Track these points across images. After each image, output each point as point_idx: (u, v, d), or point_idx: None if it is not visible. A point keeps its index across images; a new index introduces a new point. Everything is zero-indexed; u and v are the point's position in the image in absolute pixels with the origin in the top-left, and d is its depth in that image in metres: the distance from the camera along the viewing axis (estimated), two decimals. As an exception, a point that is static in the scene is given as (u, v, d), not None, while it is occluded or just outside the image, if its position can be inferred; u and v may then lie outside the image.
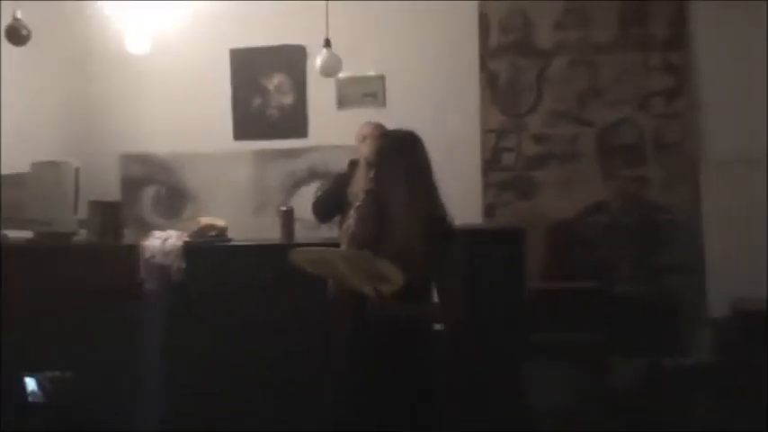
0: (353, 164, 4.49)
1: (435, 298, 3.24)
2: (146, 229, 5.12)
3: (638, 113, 5.34)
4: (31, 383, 2.60)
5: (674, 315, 5.24)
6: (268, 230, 4.87)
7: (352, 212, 3.29)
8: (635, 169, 5.34)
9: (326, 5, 4.79)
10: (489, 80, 5.49)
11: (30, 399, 2.61)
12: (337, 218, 4.50)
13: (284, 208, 4.56)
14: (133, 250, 4.30)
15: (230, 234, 4.48)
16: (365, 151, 3.38)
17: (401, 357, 3.18)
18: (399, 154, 3.28)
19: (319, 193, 4.89)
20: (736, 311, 4.61)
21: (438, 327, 4.12)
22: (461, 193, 5.22)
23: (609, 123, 5.37)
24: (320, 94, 5.64)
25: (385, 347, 3.16)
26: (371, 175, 3.23)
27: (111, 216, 4.54)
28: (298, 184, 5.66)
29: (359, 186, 3.35)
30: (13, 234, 4.66)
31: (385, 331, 3.14)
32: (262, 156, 5.74)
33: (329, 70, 4.98)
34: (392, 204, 3.21)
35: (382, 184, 3.23)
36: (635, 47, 5.34)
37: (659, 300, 5.27)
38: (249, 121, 5.77)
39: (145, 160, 5.84)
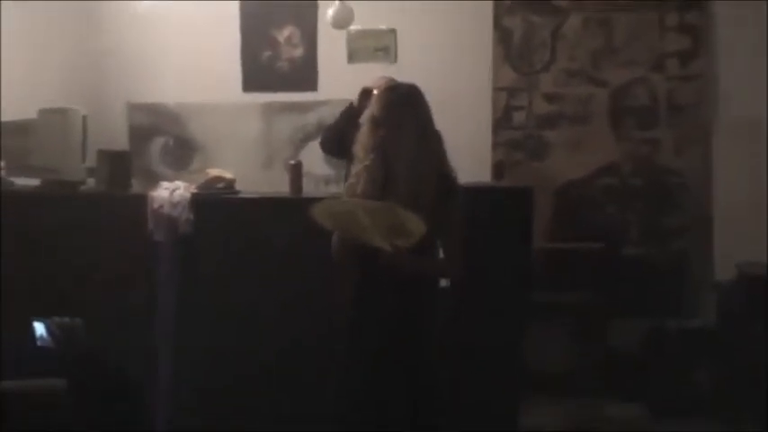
0: (366, 93, 4.39)
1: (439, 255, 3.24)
2: (153, 179, 5.10)
3: (652, 74, 5.29)
4: (39, 328, 2.60)
5: (681, 278, 5.24)
6: (276, 184, 4.85)
7: (358, 171, 3.27)
8: (647, 131, 5.30)
9: (340, -43, 4.73)
10: (502, 37, 5.42)
11: (39, 344, 2.62)
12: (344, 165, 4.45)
13: (293, 162, 4.53)
14: (141, 200, 4.28)
15: (238, 187, 4.45)
16: (370, 108, 3.32)
17: (408, 313, 3.18)
18: (408, 109, 3.25)
19: (327, 129, 4.82)
20: (742, 275, 4.60)
21: (444, 284, 4.17)
22: (471, 152, 5.20)
23: (622, 84, 5.32)
24: (331, 48, 5.59)
25: (392, 303, 3.17)
26: (381, 132, 3.20)
27: (119, 165, 4.50)
28: (306, 138, 5.63)
29: (363, 144, 3.31)
30: (21, 182, 4.65)
31: (392, 287, 3.14)
32: (270, 109, 5.71)
33: (341, 22, 4.92)
34: (401, 161, 3.18)
35: (392, 142, 3.20)
36: (651, 6, 5.27)
37: (666, 262, 5.27)
38: (258, 74, 5.72)
39: (153, 110, 5.81)
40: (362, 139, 3.28)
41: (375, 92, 4.43)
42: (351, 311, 3.29)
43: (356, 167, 3.31)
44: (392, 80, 4.52)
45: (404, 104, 3.26)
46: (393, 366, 3.21)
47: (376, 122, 3.23)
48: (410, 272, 3.13)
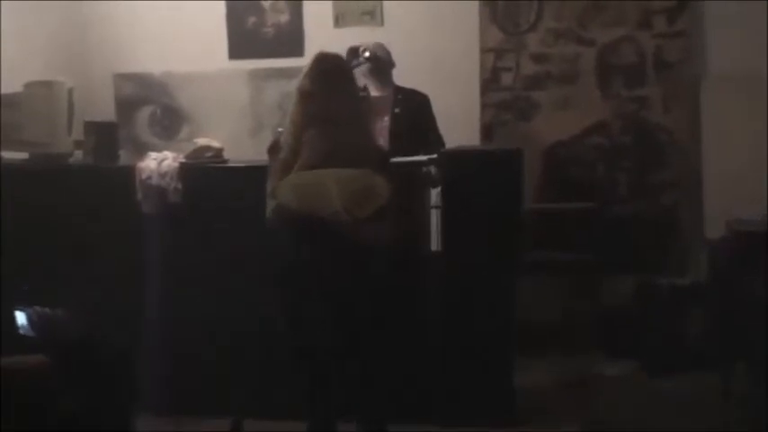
0: (353, 51, 4.45)
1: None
2: (141, 149, 5.09)
3: (639, 32, 5.26)
4: (21, 318, 2.61)
5: (671, 235, 5.26)
6: (264, 151, 4.83)
7: (290, 143, 3.26)
8: (635, 89, 5.29)
9: None
10: (488, -2, 5.39)
11: (21, 332, 2.63)
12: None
13: (281, 129, 4.50)
14: (129, 171, 4.28)
15: (227, 154, 4.44)
16: (302, 79, 3.36)
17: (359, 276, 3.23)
18: (342, 78, 3.29)
19: None
20: (732, 232, 4.62)
21: (435, 248, 4.19)
22: (459, 114, 5.21)
23: (609, 42, 5.30)
24: (317, 12, 5.55)
25: (338, 266, 3.22)
26: (325, 102, 3.21)
27: (106, 137, 4.49)
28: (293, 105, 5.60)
29: (294, 115, 3.31)
30: (9, 155, 4.63)
31: (341, 251, 3.17)
32: (257, 75, 5.69)
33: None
34: (343, 129, 3.20)
35: (330, 111, 3.20)
36: (637, -37, 5.23)
37: (656, 220, 5.28)
38: (244, 40, 5.69)
39: (139, 80, 5.78)
40: (294, 110, 3.28)
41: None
42: (289, 278, 3.32)
43: (286, 138, 3.31)
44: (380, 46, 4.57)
45: (338, 73, 3.29)
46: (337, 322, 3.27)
47: (309, 94, 3.24)
48: (366, 237, 3.15)
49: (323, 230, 3.13)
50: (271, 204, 3.29)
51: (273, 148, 3.45)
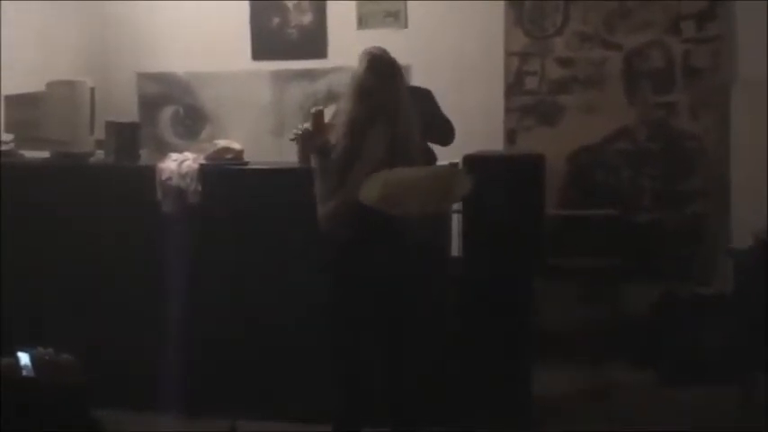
0: None
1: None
2: (164, 149, 5.10)
3: (667, 37, 5.19)
4: (24, 358, 2.63)
5: (697, 243, 5.19)
6: (286, 152, 4.81)
7: (345, 141, 3.25)
8: (662, 95, 5.22)
9: None
10: (514, 1, 5.33)
11: (24, 373, 2.65)
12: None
13: (299, 128, 4.48)
14: (150, 171, 4.27)
15: (248, 154, 4.42)
16: (359, 79, 3.36)
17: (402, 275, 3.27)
18: (400, 71, 3.28)
19: None
20: (758, 242, 4.55)
21: (456, 253, 4.16)
22: (483, 118, 5.17)
23: (636, 47, 5.23)
24: (340, 14, 5.53)
25: (387, 266, 3.29)
26: (386, 97, 3.23)
27: (127, 136, 4.48)
28: (316, 105, 5.57)
29: (360, 113, 3.30)
30: (30, 154, 4.64)
31: (391, 251, 3.23)
32: (280, 76, 5.67)
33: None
34: (402, 123, 3.27)
35: (394, 104, 3.27)
36: (666, -34, 5.17)
37: (682, 228, 5.22)
38: (268, 41, 5.68)
39: (162, 79, 5.79)
40: (351, 107, 3.27)
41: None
42: (337, 277, 3.37)
43: (343, 137, 3.28)
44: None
45: (394, 67, 3.34)
46: (379, 326, 3.28)
47: (369, 88, 3.24)
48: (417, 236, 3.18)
49: (385, 229, 3.14)
50: (327, 206, 3.27)
51: (324, 149, 3.42)
